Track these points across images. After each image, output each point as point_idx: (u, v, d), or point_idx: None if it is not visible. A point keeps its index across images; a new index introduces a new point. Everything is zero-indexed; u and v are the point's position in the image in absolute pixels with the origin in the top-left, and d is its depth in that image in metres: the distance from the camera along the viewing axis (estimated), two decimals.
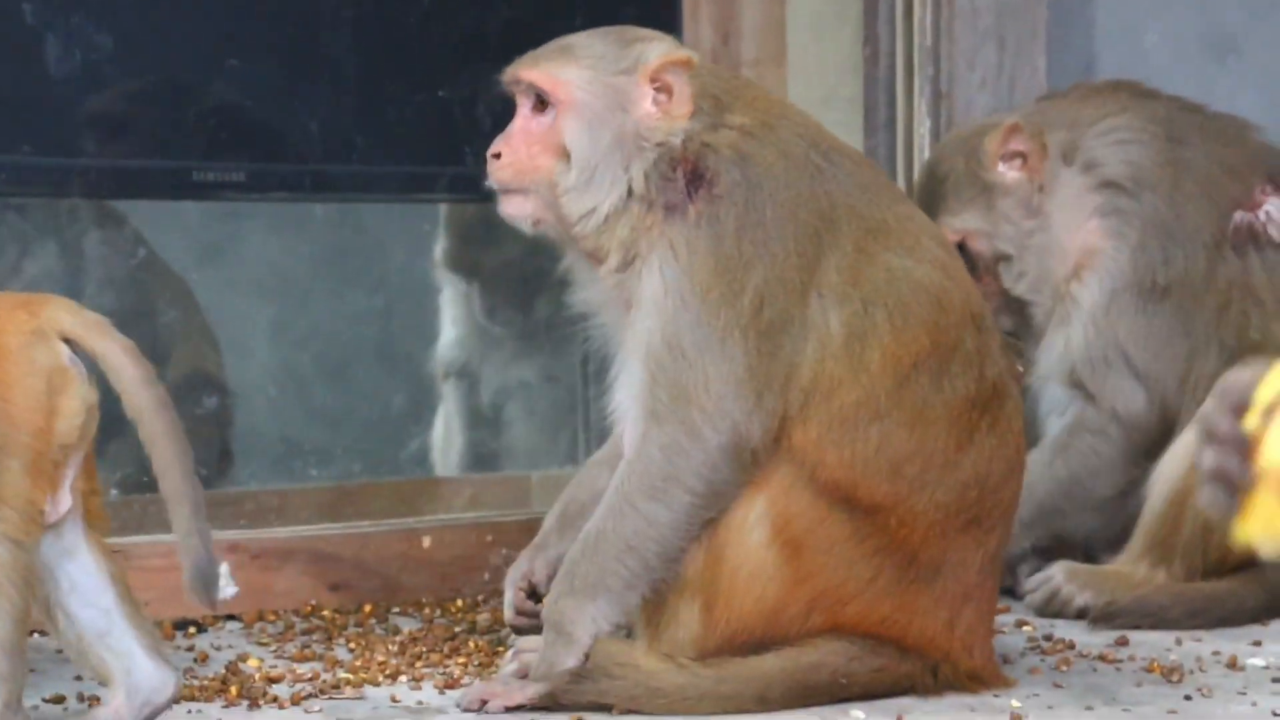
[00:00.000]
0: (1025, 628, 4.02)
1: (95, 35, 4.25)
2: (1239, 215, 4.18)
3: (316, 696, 3.42)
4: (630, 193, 3.37)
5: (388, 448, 5.64)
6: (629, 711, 3.28)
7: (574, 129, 3.39)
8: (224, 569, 4.02)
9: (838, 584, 3.35)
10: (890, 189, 3.66)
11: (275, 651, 3.80)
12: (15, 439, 2.87)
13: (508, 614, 3.64)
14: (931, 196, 4.22)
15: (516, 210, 3.46)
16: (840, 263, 3.36)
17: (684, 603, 3.34)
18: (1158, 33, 5.27)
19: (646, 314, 3.33)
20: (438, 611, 4.13)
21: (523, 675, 3.42)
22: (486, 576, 4.27)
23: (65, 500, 2.95)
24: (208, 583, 3.05)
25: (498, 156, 3.43)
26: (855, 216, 3.42)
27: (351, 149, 4.60)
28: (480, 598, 4.23)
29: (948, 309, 3.42)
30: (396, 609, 4.10)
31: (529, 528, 3.91)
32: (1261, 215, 4.18)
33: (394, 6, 4.63)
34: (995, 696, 3.42)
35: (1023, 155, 4.15)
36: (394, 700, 3.40)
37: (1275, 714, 3.34)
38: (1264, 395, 2.00)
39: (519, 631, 3.63)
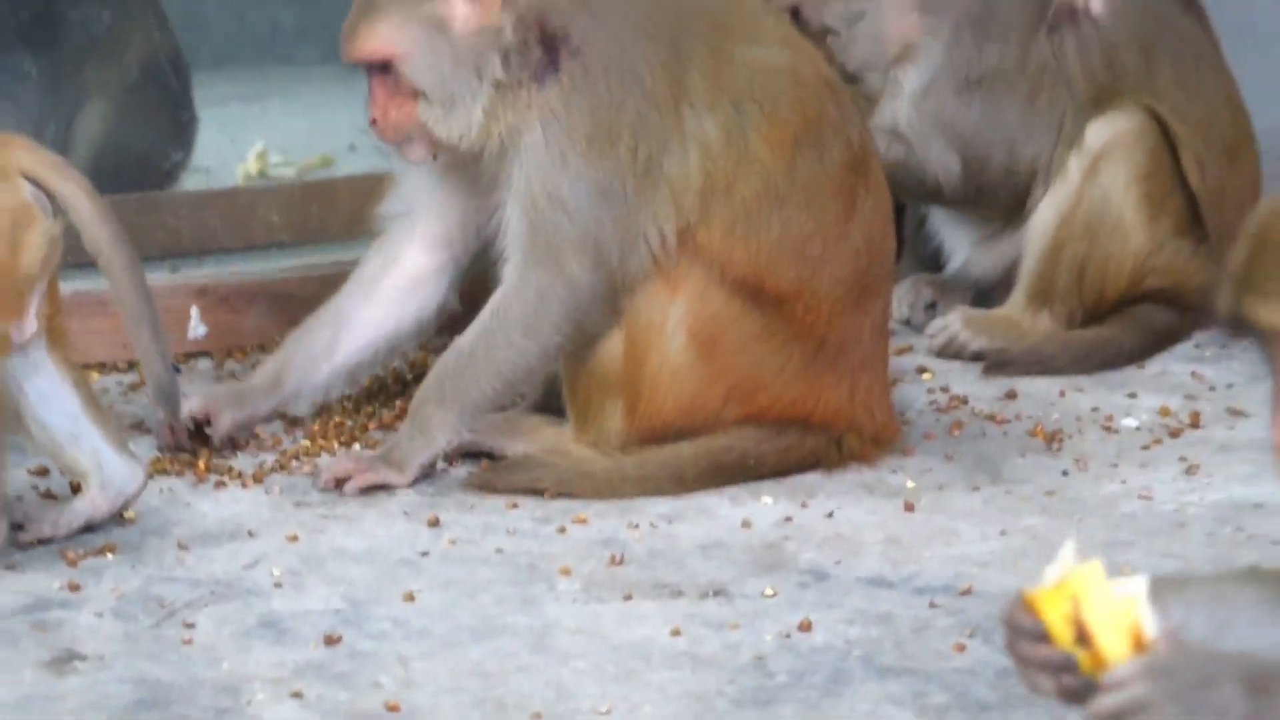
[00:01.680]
0: (925, 375, 4.13)
1: None
2: None
3: (277, 472, 3.57)
4: (497, 85, 3.43)
5: None
6: (560, 494, 3.45)
7: (415, 72, 3.46)
8: (194, 311, 4.11)
9: (750, 376, 3.51)
10: None
11: None
12: None
13: (161, 440, 3.65)
14: None
15: (414, 155, 3.56)
16: (701, 68, 3.45)
17: (609, 400, 3.50)
18: None
19: (527, 166, 3.42)
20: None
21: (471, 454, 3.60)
22: None
23: (30, 324, 3.08)
24: (169, 396, 3.29)
25: (374, 122, 3.52)
26: (701, 15, 3.51)
27: None
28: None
29: (805, 84, 3.53)
30: None
31: None
32: None
33: None
34: (892, 473, 3.60)
35: None
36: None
37: (1142, 495, 3.52)
38: (1054, 613, 1.95)
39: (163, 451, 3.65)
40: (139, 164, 5.09)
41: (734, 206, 3.39)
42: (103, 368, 3.95)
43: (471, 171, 3.49)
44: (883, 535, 3.36)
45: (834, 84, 3.55)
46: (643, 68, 3.39)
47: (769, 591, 3.13)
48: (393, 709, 2.72)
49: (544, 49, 3.40)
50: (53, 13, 4.91)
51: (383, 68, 3.49)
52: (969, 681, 2.84)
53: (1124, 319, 4.23)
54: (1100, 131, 4.15)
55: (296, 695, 2.76)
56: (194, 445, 3.60)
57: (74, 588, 3.10)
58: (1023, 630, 1.98)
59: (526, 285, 3.41)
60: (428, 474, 3.56)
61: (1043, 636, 1.96)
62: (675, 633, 2.99)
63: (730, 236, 3.39)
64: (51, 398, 3.20)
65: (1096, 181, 4.15)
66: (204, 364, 4.14)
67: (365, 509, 3.42)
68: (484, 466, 3.57)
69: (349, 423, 3.81)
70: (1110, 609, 1.97)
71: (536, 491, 3.47)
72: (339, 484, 3.41)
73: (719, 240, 3.40)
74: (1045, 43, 4.21)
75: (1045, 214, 4.20)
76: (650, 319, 3.44)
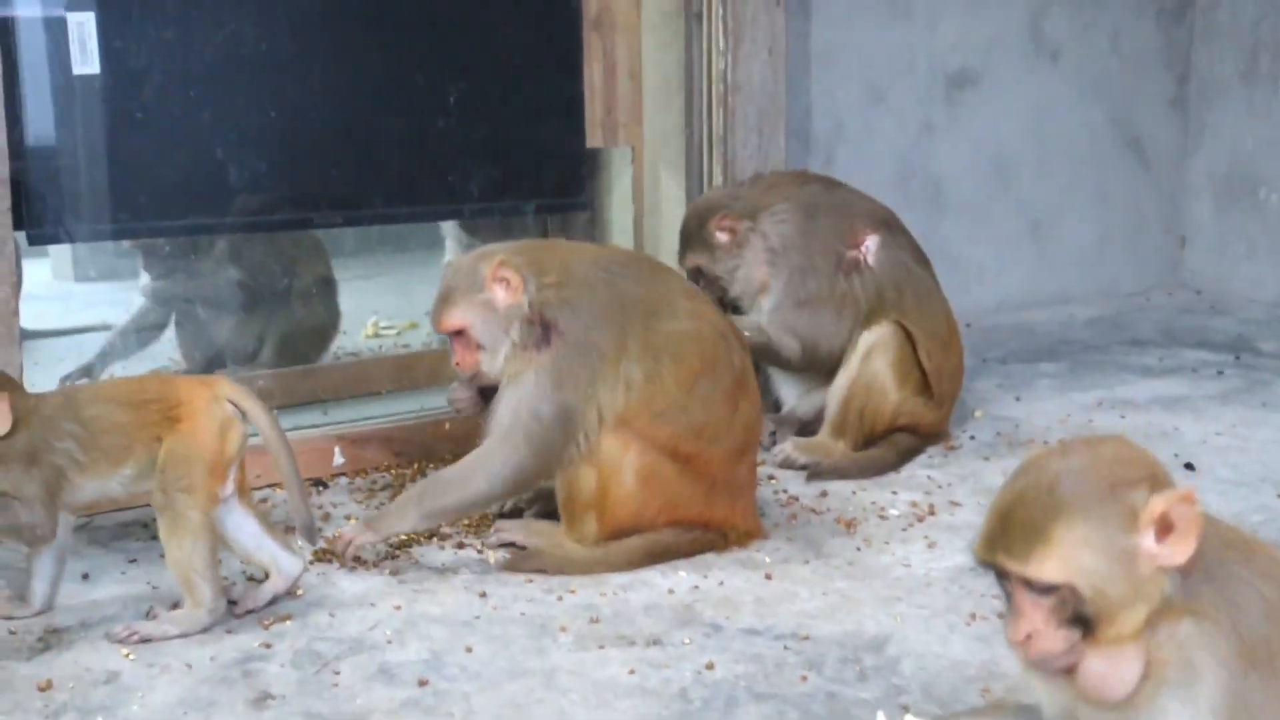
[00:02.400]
0: (772, 480, 4.00)
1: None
2: (849, 253, 4.15)
3: (387, 559, 3.42)
4: (513, 346, 3.33)
5: None
6: (558, 573, 3.32)
7: (479, 335, 3.36)
8: (336, 449, 3.99)
9: (672, 500, 3.38)
10: (652, 268, 3.56)
11: (362, 505, 3.77)
12: (202, 457, 2.95)
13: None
14: (684, 241, 4.21)
15: (476, 381, 3.46)
16: (635, 338, 3.34)
17: (587, 512, 3.37)
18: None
19: (519, 390, 3.33)
20: None
21: (504, 544, 3.47)
22: None
23: (229, 487, 3.02)
24: (311, 534, 3.16)
25: (457, 363, 3.42)
26: (637, 304, 3.38)
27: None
28: None
29: (704, 340, 3.40)
30: (431, 466, 4.01)
31: None
32: (863, 250, 4.16)
33: None
34: (756, 552, 3.46)
35: (729, 229, 4.12)
36: (444, 566, 3.41)
37: (904, 563, 3.41)
38: None
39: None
40: (310, 342, 4.99)
41: (653, 412, 3.32)
42: (271, 486, 3.75)
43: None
44: (752, 597, 3.22)
45: (726, 334, 3.43)
46: (601, 342, 3.31)
47: (686, 640, 3.00)
48: None
49: (542, 329, 3.32)
50: (263, 265, 4.77)
51: (459, 333, 3.38)
52: (809, 703, 2.73)
53: (888, 443, 4.13)
54: (870, 336, 4.13)
55: None
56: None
57: (266, 645, 2.95)
58: None
59: (498, 452, 3.30)
60: (480, 559, 3.43)
61: None
62: (631, 672, 2.85)
63: (653, 425, 3.31)
64: (242, 525, 3.09)
65: (869, 363, 4.09)
66: (342, 481, 3.98)
67: (440, 584, 3.28)
68: (511, 553, 3.42)
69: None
70: None
71: (543, 571, 3.33)
72: (342, 548, 3.36)
73: (647, 426, 3.31)
74: (843, 280, 4.12)
75: (841, 380, 4.12)
76: (612, 464, 3.32)
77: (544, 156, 4.47)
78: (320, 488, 3.91)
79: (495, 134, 4.28)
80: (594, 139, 4.52)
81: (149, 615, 3.04)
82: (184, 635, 2.98)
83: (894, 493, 3.90)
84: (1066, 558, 1.89)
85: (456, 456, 3.49)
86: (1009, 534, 1.94)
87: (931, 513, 3.75)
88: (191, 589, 2.98)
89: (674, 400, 3.33)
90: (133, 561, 3.42)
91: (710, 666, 2.87)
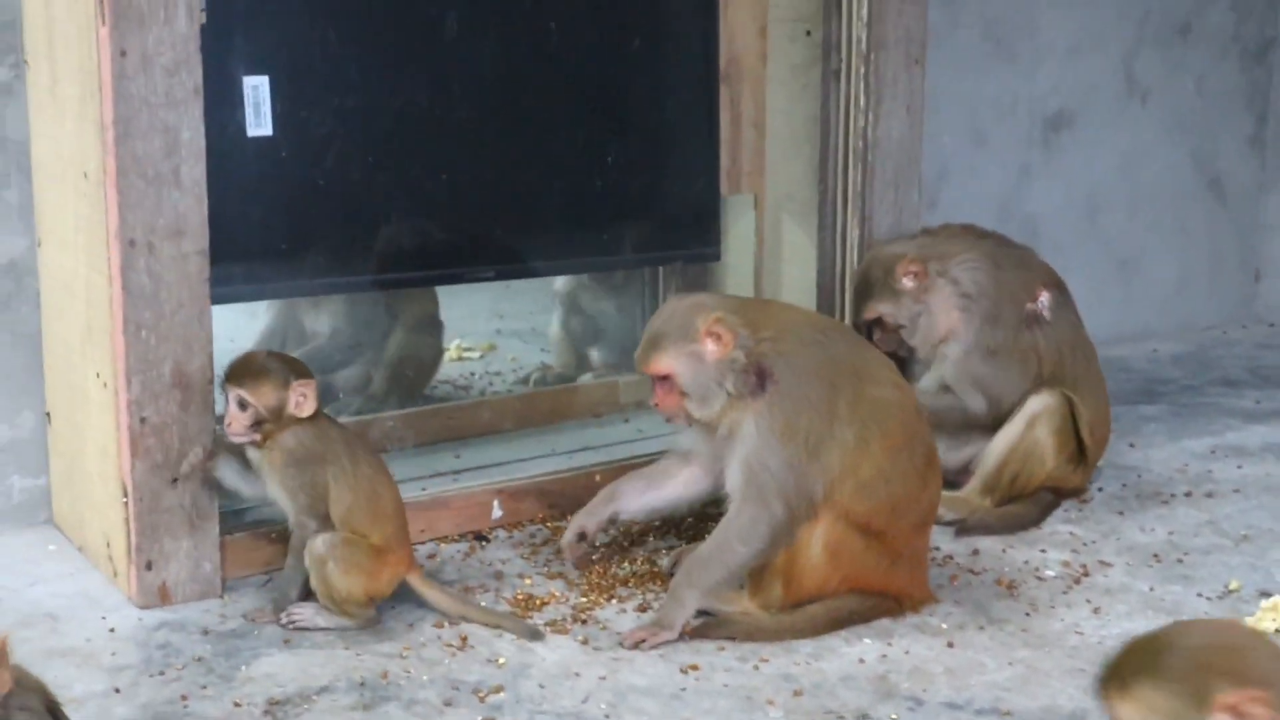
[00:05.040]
0: None
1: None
2: (1029, 306, 4.22)
3: (576, 623, 3.47)
4: (728, 393, 3.40)
5: None
6: (747, 639, 3.40)
7: (683, 382, 3.43)
8: (496, 501, 4.04)
9: (856, 570, 3.46)
10: (855, 339, 3.67)
11: (529, 560, 3.82)
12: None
13: (565, 540, 3.70)
14: (865, 289, 4.23)
15: (675, 421, 3.53)
16: (846, 400, 3.42)
17: (776, 580, 3.44)
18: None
19: (746, 444, 3.40)
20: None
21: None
22: None
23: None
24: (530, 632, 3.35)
25: (656, 404, 3.50)
26: (846, 368, 3.46)
27: None
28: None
29: (906, 411, 3.51)
30: None
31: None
32: (1039, 305, 4.22)
33: None
34: (930, 617, 3.54)
35: (916, 274, 4.15)
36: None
37: (1076, 631, 3.49)
38: None
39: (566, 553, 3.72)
40: (418, 377, 5.00)
41: (858, 481, 3.38)
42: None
43: (712, 435, 3.47)
44: (941, 668, 3.31)
45: (919, 410, 3.55)
46: (813, 396, 3.37)
47: (893, 716, 3.08)
48: None
49: (757, 377, 3.38)
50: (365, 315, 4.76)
51: (663, 378, 3.46)
52: None
53: (1030, 499, 4.20)
54: (1036, 402, 4.20)
55: None
56: (585, 554, 3.71)
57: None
58: None
59: (743, 514, 3.36)
60: None
61: None
62: None
63: (854, 497, 3.38)
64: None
65: (1032, 430, 4.17)
66: (500, 534, 4.02)
67: (635, 654, 3.34)
68: (701, 621, 3.48)
69: (602, 582, 3.70)
70: None
71: (732, 638, 3.41)
72: (636, 644, 3.34)
73: (848, 499, 3.38)
74: (1027, 334, 4.20)
75: (1000, 443, 4.18)
76: (802, 536, 3.40)
77: (684, 208, 4.52)
78: (482, 542, 3.96)
79: (644, 189, 4.35)
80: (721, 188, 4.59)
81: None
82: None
83: (1043, 551, 3.98)
84: (1140, 715, 2.07)
85: None
86: (1108, 681, 2.13)
87: (1086, 573, 3.83)
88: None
89: (880, 470, 3.41)
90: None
91: None
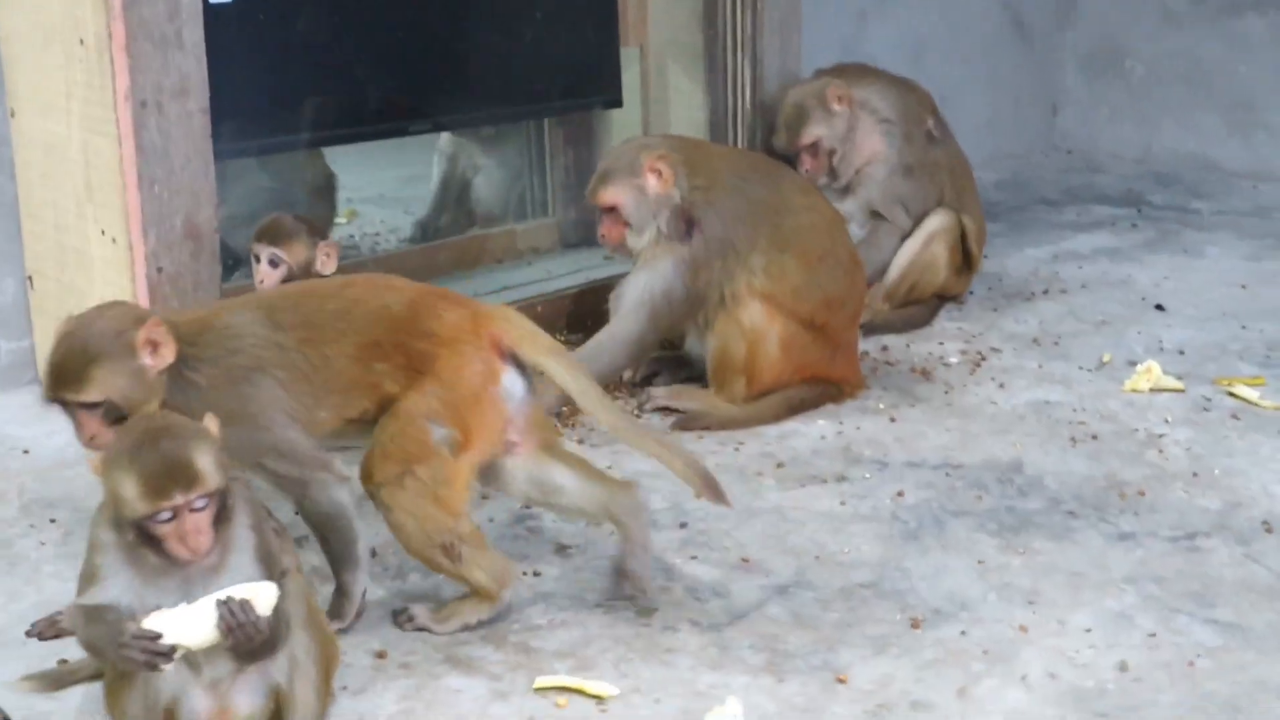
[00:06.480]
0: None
1: None
2: (929, 122, 4.69)
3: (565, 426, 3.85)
4: (658, 232, 3.82)
5: None
6: (721, 428, 3.81)
7: (628, 214, 3.83)
8: None
9: (805, 362, 3.91)
10: (774, 170, 4.03)
11: None
12: None
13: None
14: (800, 117, 4.56)
15: (620, 254, 3.93)
16: (767, 234, 3.86)
17: (738, 377, 3.87)
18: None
19: (649, 271, 3.82)
20: None
21: (658, 409, 3.92)
22: None
23: None
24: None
25: (603, 236, 3.87)
26: (766, 205, 3.89)
27: None
28: None
29: (820, 230, 3.95)
30: None
31: None
32: (930, 125, 4.69)
33: None
34: (866, 401, 4.00)
35: (842, 98, 4.54)
36: None
37: (990, 401, 4.02)
38: None
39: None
40: None
41: (787, 288, 3.84)
42: None
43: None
44: (891, 437, 3.78)
45: (838, 222, 4.00)
46: (735, 239, 3.82)
47: (866, 475, 3.54)
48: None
49: (685, 225, 3.80)
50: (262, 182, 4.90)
51: (610, 209, 3.82)
52: (998, 515, 3.32)
53: (921, 303, 4.70)
54: (934, 221, 4.69)
55: None
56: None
57: None
58: None
59: (624, 326, 3.83)
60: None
61: None
62: (842, 503, 3.40)
63: (793, 300, 3.84)
64: None
65: (930, 247, 4.68)
66: None
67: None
68: (675, 417, 3.86)
69: None
70: None
71: (708, 428, 3.81)
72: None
73: (789, 302, 3.84)
74: (931, 150, 4.67)
75: (903, 258, 4.67)
76: (759, 335, 3.83)
77: (587, 59, 4.83)
78: None
79: (549, 43, 4.67)
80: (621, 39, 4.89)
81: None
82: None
83: (941, 344, 4.51)
84: None
85: None
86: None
87: (983, 358, 4.37)
88: None
89: (810, 277, 3.85)
90: None
91: (901, 494, 3.44)
